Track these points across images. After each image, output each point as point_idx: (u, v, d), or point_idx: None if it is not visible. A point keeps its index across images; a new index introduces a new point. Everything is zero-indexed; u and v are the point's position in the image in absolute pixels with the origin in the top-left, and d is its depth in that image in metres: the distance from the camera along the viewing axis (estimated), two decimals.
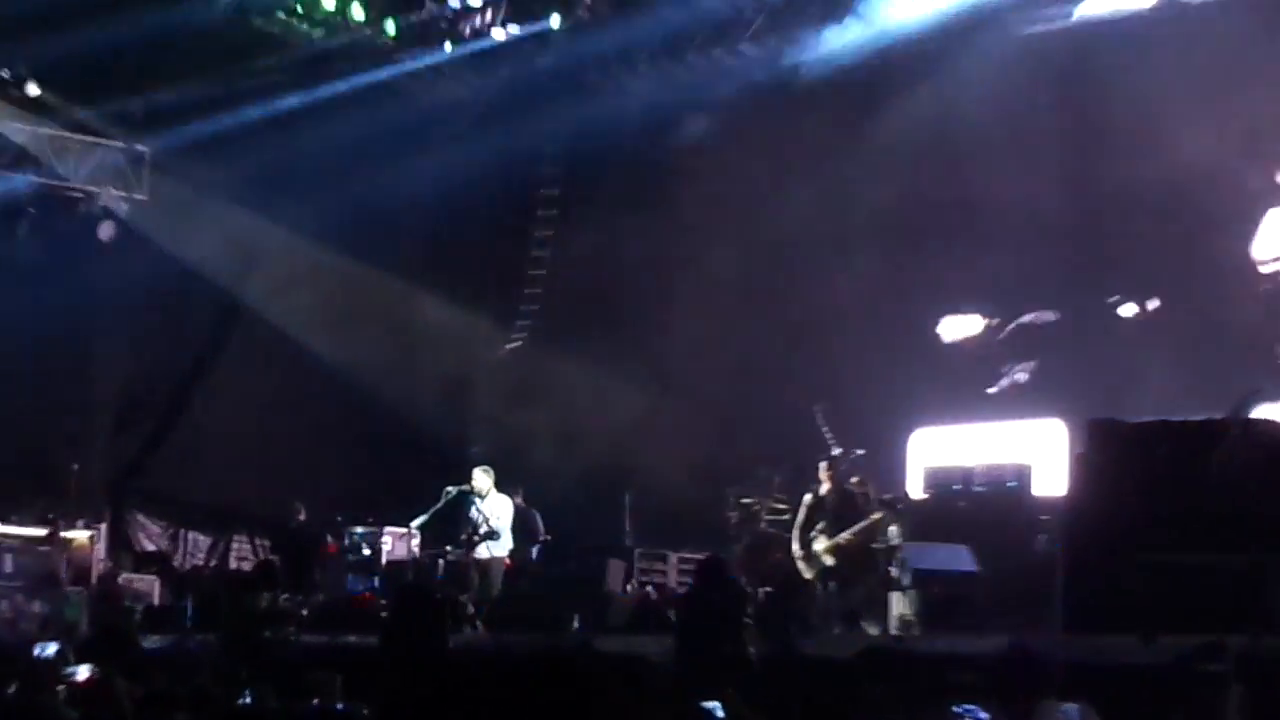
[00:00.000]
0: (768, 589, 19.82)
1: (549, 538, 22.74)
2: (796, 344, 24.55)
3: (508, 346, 28.63)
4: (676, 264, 26.07)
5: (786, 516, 20.96)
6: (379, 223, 25.82)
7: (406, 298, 27.52)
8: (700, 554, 19.34)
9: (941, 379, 23.45)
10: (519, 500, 22.15)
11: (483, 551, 20.86)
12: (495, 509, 20.91)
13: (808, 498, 19.55)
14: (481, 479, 20.95)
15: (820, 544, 19.21)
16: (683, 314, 25.55)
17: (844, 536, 19.06)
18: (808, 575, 19.34)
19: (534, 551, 22.59)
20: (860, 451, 20.76)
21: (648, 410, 25.82)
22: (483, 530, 20.64)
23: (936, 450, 22.14)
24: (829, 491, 19.50)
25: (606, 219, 26.52)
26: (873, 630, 17.79)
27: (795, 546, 19.55)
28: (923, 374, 23.35)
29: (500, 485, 21.38)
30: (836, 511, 19.25)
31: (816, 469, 19.85)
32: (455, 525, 21.41)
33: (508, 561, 21.13)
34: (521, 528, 21.68)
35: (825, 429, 20.92)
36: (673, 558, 24.15)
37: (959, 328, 24.88)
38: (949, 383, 23.43)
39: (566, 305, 27.47)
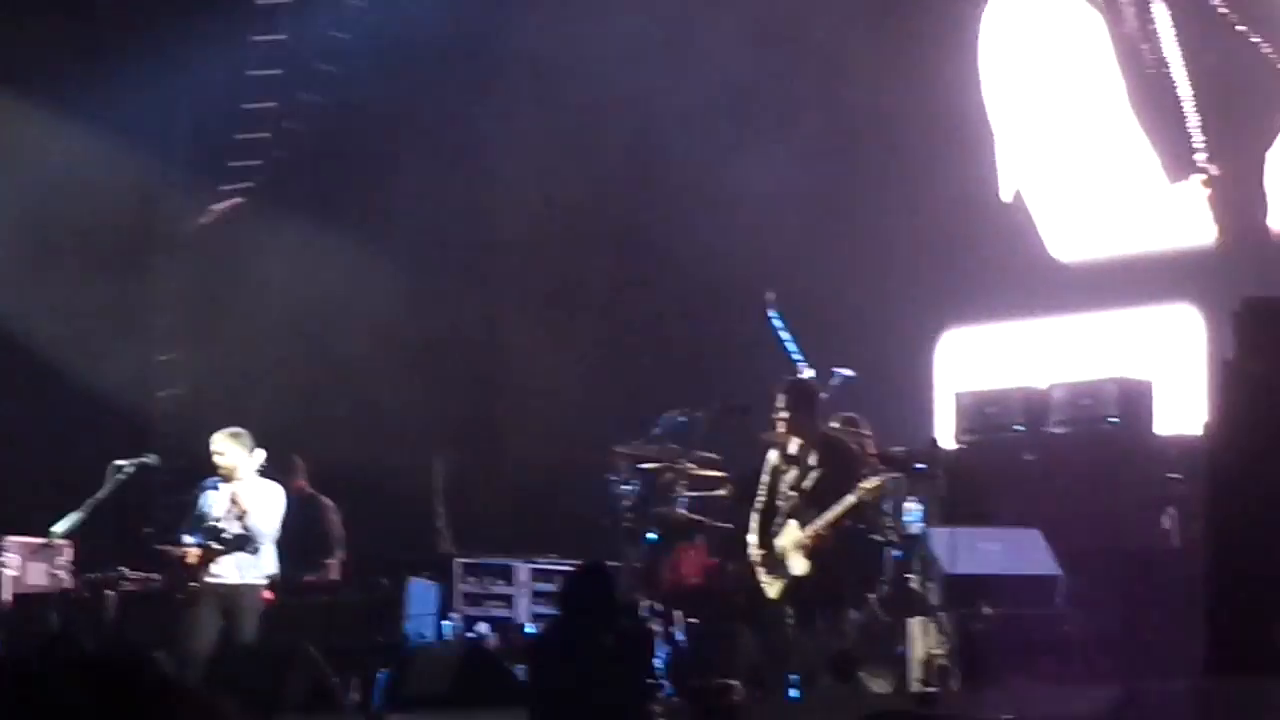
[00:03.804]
0: (692, 619, 16.21)
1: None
2: (720, 200, 18.67)
3: (214, 208, 22.76)
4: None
5: (722, 491, 16.94)
6: None
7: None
8: (570, 562, 16.67)
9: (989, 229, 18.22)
10: (303, 481, 17.55)
11: (225, 569, 15.69)
12: (254, 499, 15.90)
13: (772, 456, 15.20)
14: (229, 449, 15.84)
15: (787, 536, 14.99)
16: (518, 142, 19.72)
17: (824, 522, 14.87)
18: (771, 592, 15.17)
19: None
20: (848, 373, 16.36)
21: (463, 312, 20.25)
22: (228, 532, 15.62)
23: (980, 365, 18.69)
24: (800, 445, 15.14)
25: None
26: (879, 685, 15.01)
27: (752, 541, 15.32)
28: (956, 222, 18.21)
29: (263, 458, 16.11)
30: (811, 479, 15.03)
31: (772, 406, 15.37)
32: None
33: (268, 594, 16.13)
34: (307, 531, 17.04)
35: (783, 333, 16.20)
36: (522, 571, 19.05)
37: None
38: (1002, 236, 18.33)
39: (322, 140, 20.79)
